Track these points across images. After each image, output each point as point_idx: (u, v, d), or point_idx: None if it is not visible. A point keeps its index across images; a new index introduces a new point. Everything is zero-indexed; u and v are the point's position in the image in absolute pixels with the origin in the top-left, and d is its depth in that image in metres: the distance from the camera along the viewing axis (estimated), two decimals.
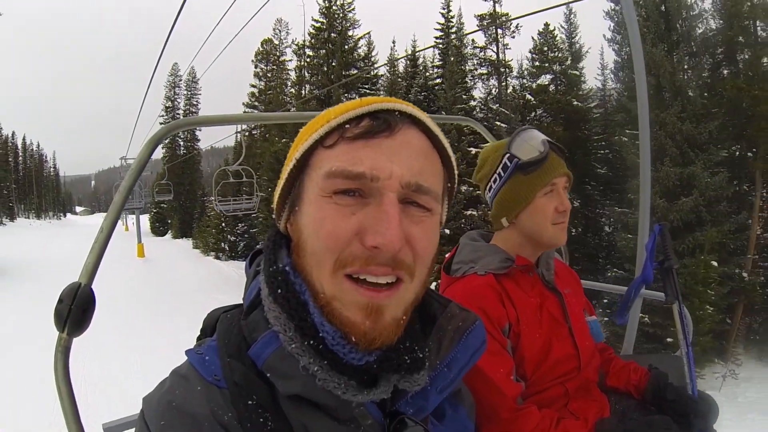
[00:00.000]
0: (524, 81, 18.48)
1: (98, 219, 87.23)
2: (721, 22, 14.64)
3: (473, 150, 14.27)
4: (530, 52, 18.46)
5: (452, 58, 17.85)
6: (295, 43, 27.66)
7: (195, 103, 46.31)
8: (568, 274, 1.71)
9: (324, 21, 23.22)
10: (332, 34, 22.80)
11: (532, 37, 18.54)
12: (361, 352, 0.63)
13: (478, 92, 20.13)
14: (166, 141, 44.07)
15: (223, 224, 30.13)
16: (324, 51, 22.83)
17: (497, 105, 17.36)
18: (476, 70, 20.50)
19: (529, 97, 16.93)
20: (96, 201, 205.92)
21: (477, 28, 19.72)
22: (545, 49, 18.24)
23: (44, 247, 28.67)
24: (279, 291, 0.66)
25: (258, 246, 0.82)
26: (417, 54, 21.98)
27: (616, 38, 16.52)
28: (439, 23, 22.52)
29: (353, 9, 23.49)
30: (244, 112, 28.25)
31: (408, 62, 23.12)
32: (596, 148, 17.38)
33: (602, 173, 17.32)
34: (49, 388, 1.14)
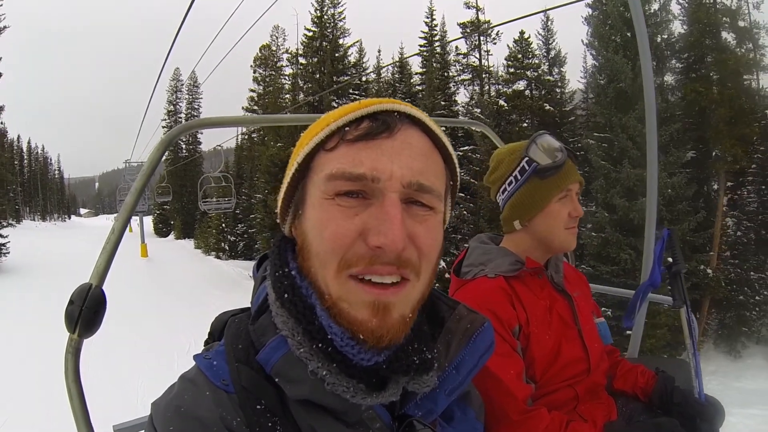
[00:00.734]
0: (500, 87, 19.52)
1: (102, 221, 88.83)
2: (684, 28, 15.66)
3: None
4: (505, 59, 19.54)
5: (434, 65, 18.87)
6: (289, 51, 28.92)
7: (197, 107, 47.60)
8: (577, 277, 1.72)
9: (316, 30, 24.45)
10: (324, 43, 23.97)
11: (507, 45, 19.66)
12: (370, 351, 0.64)
13: (462, 97, 21.23)
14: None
15: (223, 225, 31.51)
16: (316, 59, 23.99)
17: (479, 110, 18.42)
18: (459, 76, 21.56)
19: (502, 102, 18.00)
20: (100, 203, 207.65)
21: (459, 36, 20.74)
22: (520, 56, 19.28)
23: (52, 247, 29.57)
24: (286, 295, 0.67)
25: (266, 251, 0.82)
26: (404, 62, 23.04)
27: (594, 43, 17.51)
28: (423, 32, 23.59)
29: (344, 18, 24.66)
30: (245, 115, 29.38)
31: (395, 69, 24.26)
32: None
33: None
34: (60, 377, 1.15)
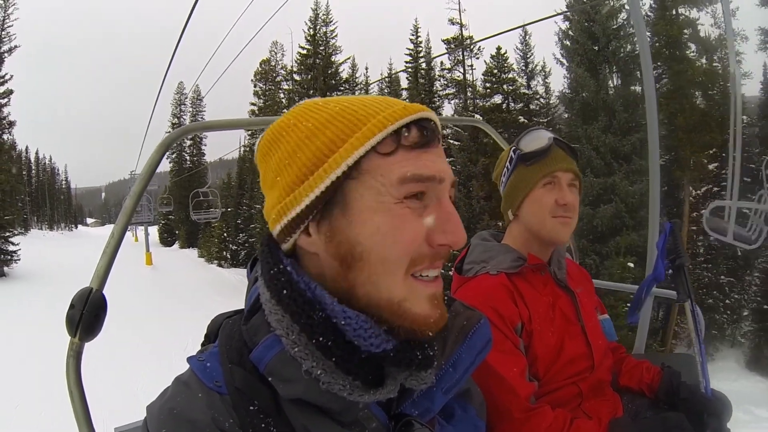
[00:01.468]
0: (477, 101, 20.82)
1: (108, 230, 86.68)
2: (649, 40, 16.81)
3: None
4: (483, 74, 20.94)
5: (420, 80, 20.10)
6: (285, 68, 30.66)
7: (200, 119, 48.68)
8: (580, 273, 1.72)
9: (309, 48, 26.09)
10: (317, 60, 25.57)
11: (485, 61, 21.05)
12: (380, 338, 0.65)
13: (448, 111, 22.55)
14: (173, 155, 47.21)
15: (225, 234, 33.03)
16: (309, 76, 25.56)
17: None
18: (443, 90, 22.86)
19: (478, 116, 19.26)
20: (106, 213, 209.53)
21: (443, 52, 21.97)
22: (496, 71, 20.64)
23: (59, 255, 30.99)
24: (284, 292, 0.66)
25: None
26: (394, 77, 24.40)
27: (565, 56, 18.66)
28: (409, 49, 25.05)
29: (335, 36, 26.31)
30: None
31: (385, 84, 25.69)
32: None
33: None
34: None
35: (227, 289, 21.69)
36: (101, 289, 1.18)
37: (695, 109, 15.31)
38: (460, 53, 21.74)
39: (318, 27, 26.13)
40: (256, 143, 0.75)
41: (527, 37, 21.14)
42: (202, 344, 0.83)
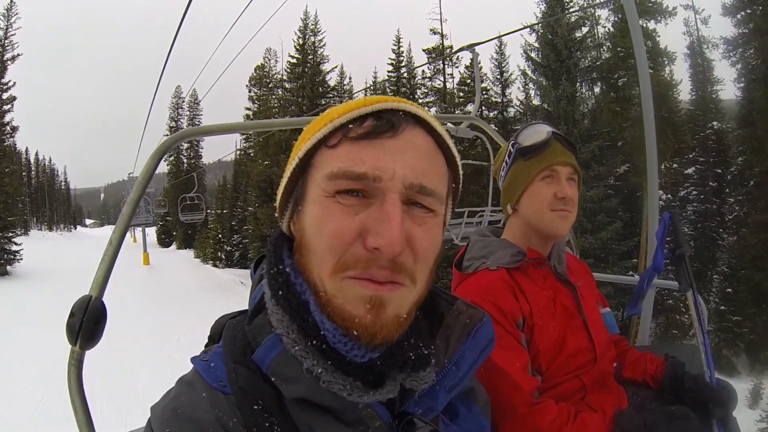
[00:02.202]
0: (453, 109, 22.09)
1: (107, 231, 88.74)
2: (607, 53, 18.39)
3: None
4: (457, 84, 22.53)
5: (401, 89, 21.46)
6: (275, 77, 32.40)
7: (197, 123, 50.21)
8: (580, 266, 1.73)
9: (299, 57, 27.71)
10: (305, 69, 27.18)
11: (459, 71, 22.70)
12: (363, 348, 0.64)
13: None
14: (171, 158, 48.67)
15: (220, 236, 34.54)
16: (298, 84, 27.18)
17: None
18: (424, 98, 24.14)
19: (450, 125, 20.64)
20: (105, 214, 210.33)
21: (426, 62, 23.43)
22: (469, 81, 22.23)
23: (60, 255, 32.41)
24: (280, 292, 0.68)
25: (260, 255, 0.82)
26: (377, 86, 25.77)
27: (530, 67, 20.13)
28: (391, 59, 26.50)
29: (324, 45, 27.98)
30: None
31: (369, 93, 27.07)
32: None
33: None
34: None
35: (220, 288, 22.90)
36: (101, 297, 1.18)
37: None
38: (441, 62, 23.17)
39: (307, 37, 27.80)
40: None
41: (502, 47, 22.65)
42: (206, 345, 0.83)
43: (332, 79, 28.53)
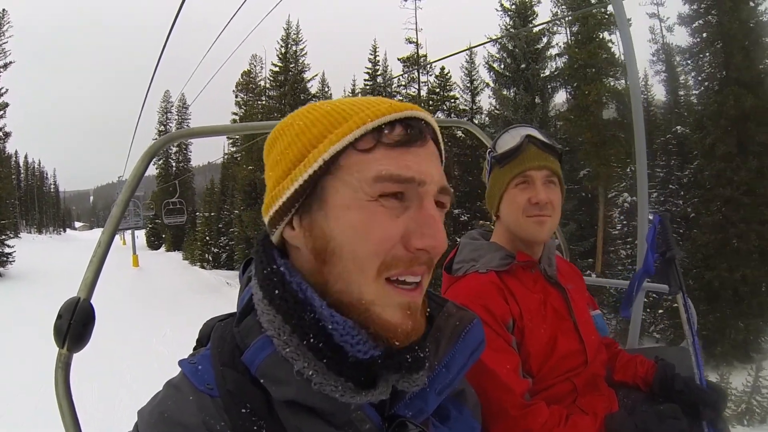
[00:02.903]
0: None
1: (96, 234, 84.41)
2: (565, 62, 19.90)
3: None
4: (426, 93, 23.99)
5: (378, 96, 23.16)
6: (259, 85, 33.70)
7: (186, 126, 51.10)
8: (570, 269, 1.76)
9: (281, 65, 29.33)
10: (287, 77, 28.82)
11: (429, 80, 24.19)
12: (367, 344, 0.66)
13: None
14: (160, 161, 49.81)
15: (208, 238, 35.87)
16: (281, 91, 28.83)
17: None
18: None
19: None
20: (94, 216, 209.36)
21: (403, 72, 24.92)
22: (438, 89, 23.83)
23: (50, 257, 33.14)
24: (276, 292, 0.68)
25: (249, 256, 0.83)
26: (356, 94, 27.30)
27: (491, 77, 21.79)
28: (367, 68, 28.17)
29: (305, 54, 29.67)
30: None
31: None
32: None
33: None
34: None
35: (207, 289, 23.81)
36: (89, 299, 1.19)
37: (601, 125, 18.05)
38: (416, 71, 24.62)
39: (289, 46, 29.38)
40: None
41: (472, 56, 23.97)
42: (195, 348, 0.84)
43: (313, 87, 30.14)
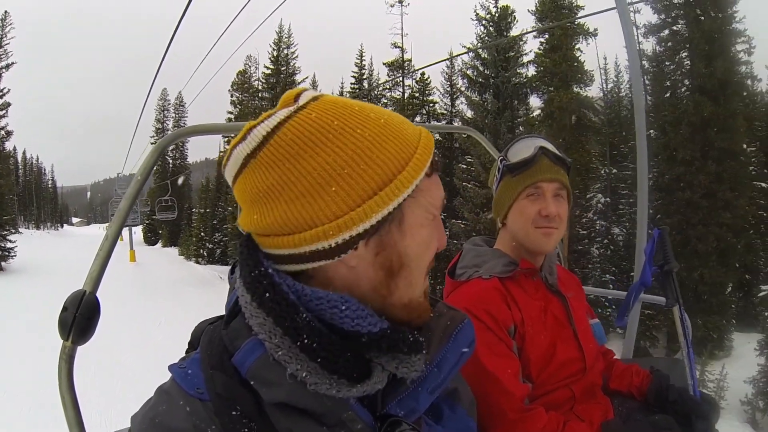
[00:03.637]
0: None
1: (94, 229, 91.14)
2: (535, 71, 21.38)
3: None
4: (407, 98, 25.40)
5: (365, 100, 24.48)
6: (252, 87, 35.04)
7: (183, 124, 51.77)
8: (570, 278, 1.80)
9: (273, 68, 30.86)
10: (279, 80, 30.29)
11: (409, 85, 25.69)
12: (377, 317, 0.70)
13: None
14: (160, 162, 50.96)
15: (203, 234, 37.31)
16: (272, 93, 30.32)
17: None
18: (384, 108, 26.86)
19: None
20: (92, 212, 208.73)
21: (390, 78, 26.28)
22: (417, 94, 25.32)
23: (50, 252, 34.63)
24: (267, 294, 0.67)
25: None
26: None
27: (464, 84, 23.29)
28: (354, 72, 29.55)
29: (296, 57, 31.21)
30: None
31: None
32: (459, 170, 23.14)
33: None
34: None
35: (201, 283, 24.98)
36: (95, 292, 1.19)
37: (569, 130, 19.53)
38: (401, 75, 26.01)
39: (281, 49, 30.87)
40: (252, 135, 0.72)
41: (453, 61, 25.21)
42: (186, 351, 0.86)
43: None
